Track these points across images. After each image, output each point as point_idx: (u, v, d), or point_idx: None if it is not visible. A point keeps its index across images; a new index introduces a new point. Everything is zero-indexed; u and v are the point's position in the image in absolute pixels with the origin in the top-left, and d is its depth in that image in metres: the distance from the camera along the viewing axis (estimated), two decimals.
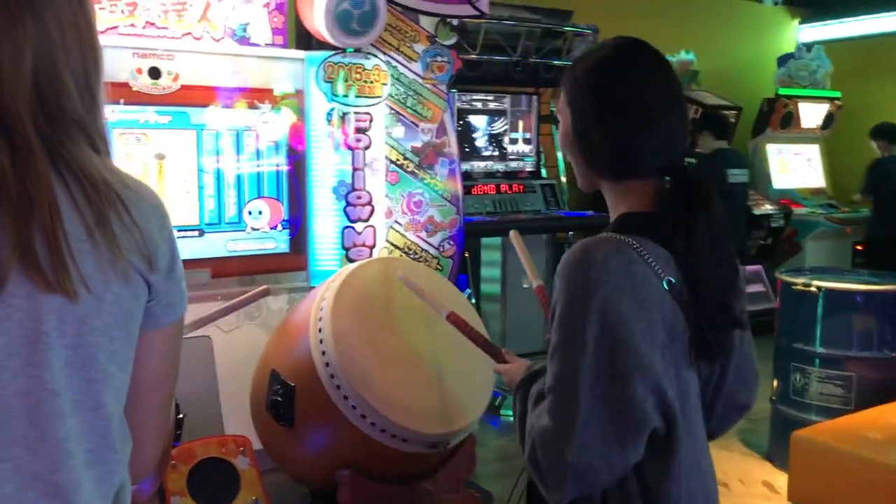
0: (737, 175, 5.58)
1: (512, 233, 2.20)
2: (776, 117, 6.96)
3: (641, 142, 1.29)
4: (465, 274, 4.85)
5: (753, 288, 6.23)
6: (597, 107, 1.30)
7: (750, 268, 6.25)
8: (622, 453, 1.16)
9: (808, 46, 7.38)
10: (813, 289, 3.84)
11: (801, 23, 7.91)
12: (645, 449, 1.19)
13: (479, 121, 5.11)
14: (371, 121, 3.06)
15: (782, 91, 6.98)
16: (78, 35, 1.01)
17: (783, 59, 7.22)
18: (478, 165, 5.09)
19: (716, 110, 6.24)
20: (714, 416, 1.38)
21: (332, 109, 2.98)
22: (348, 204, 3.03)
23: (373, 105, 3.06)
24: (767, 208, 6.50)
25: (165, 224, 1.06)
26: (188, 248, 2.76)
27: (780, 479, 3.67)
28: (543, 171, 5.36)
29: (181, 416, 1.99)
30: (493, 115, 5.15)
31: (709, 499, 1.30)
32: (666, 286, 1.22)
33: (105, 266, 0.96)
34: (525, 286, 3.88)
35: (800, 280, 3.93)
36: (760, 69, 7.35)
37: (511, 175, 5.20)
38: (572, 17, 5.35)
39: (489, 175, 5.12)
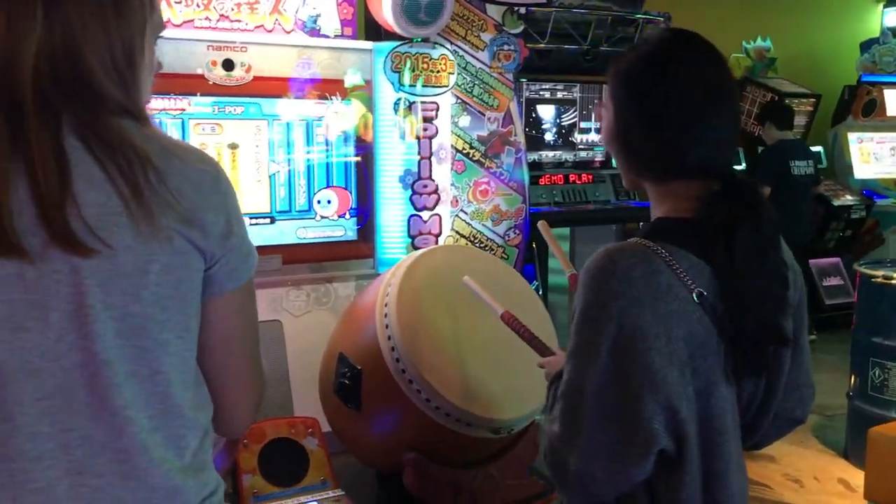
0: (801, 167, 5.41)
1: (540, 223, 2.13)
2: (858, 105, 6.71)
3: (683, 142, 1.22)
4: (532, 264, 4.84)
5: (831, 281, 6.05)
6: (638, 104, 1.24)
7: (828, 260, 6.06)
8: (625, 470, 1.13)
9: (894, 31, 7.09)
10: (894, 282, 3.70)
11: (885, 6, 7.60)
12: (655, 466, 1.14)
13: (548, 110, 5.08)
14: (437, 110, 3.08)
15: (866, 77, 6.74)
16: (103, 21, 1.02)
17: (866, 45, 6.95)
18: (546, 155, 5.06)
19: (779, 99, 6.06)
20: (758, 432, 1.33)
21: (399, 99, 3.02)
22: (414, 192, 3.07)
23: (439, 94, 3.09)
24: (848, 199, 6.29)
25: (218, 189, 1.05)
26: (260, 235, 2.84)
27: (858, 477, 3.56)
28: (614, 162, 5.28)
29: None
30: (563, 104, 5.11)
31: None
32: (696, 299, 1.15)
33: (146, 237, 0.97)
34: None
35: (879, 272, 3.79)
36: (841, 55, 7.10)
37: (581, 165, 5.15)
38: (644, 4, 5.27)
39: (558, 165, 5.08)
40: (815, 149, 6.09)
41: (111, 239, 0.96)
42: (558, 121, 5.08)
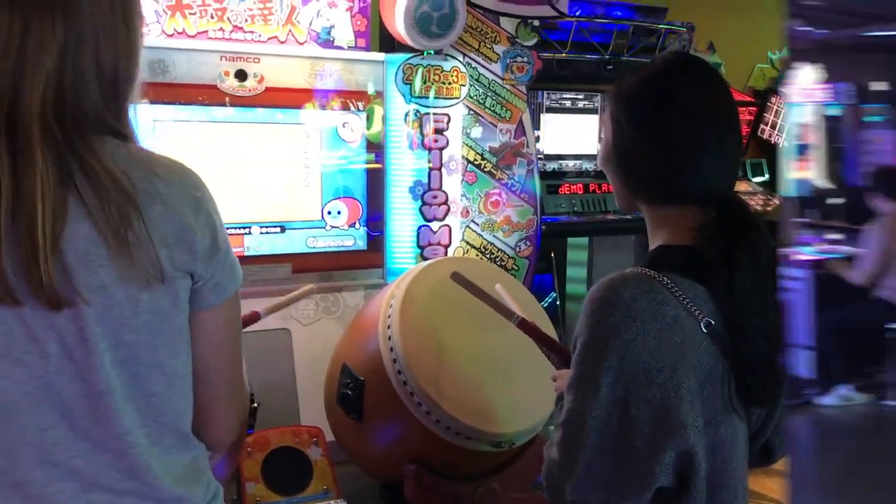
0: None
1: (453, 275, 2.07)
2: None
3: (682, 166, 1.22)
4: (550, 274, 4.82)
5: None
6: (638, 126, 1.25)
7: None
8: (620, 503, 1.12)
9: None
10: None
11: None
12: (656, 499, 1.13)
13: (568, 119, 5.06)
14: (449, 121, 3.09)
15: None
16: (115, 43, 1.01)
17: None
18: (567, 164, 5.05)
19: None
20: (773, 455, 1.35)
21: (409, 110, 3.03)
22: (424, 203, 3.08)
23: (451, 106, 3.10)
24: None
25: (201, 206, 1.04)
26: (270, 244, 2.87)
27: None
28: None
29: (256, 405, 2.06)
30: (584, 113, 5.10)
31: None
32: (704, 328, 1.14)
33: (135, 268, 0.97)
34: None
35: None
36: None
37: (601, 174, 5.10)
38: (667, 14, 5.23)
39: (579, 174, 5.06)
40: None
41: (98, 275, 0.96)
42: (579, 130, 5.07)
